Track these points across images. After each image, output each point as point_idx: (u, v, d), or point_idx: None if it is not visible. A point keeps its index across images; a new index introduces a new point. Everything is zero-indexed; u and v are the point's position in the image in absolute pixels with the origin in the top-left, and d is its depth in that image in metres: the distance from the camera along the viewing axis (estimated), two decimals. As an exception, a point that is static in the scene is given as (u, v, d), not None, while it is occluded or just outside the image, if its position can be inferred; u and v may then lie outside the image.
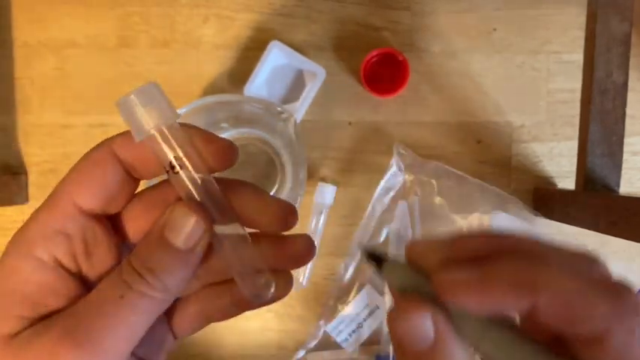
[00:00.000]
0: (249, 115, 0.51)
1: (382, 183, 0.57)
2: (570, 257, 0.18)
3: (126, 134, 0.21)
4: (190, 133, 0.21)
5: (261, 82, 0.56)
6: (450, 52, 0.58)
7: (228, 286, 0.23)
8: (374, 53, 0.55)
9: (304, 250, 0.22)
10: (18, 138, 0.57)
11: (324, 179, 0.57)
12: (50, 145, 0.57)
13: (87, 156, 0.21)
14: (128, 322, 0.19)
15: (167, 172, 0.20)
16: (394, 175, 0.57)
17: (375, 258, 0.21)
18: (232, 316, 0.23)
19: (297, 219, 0.21)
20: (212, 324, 0.23)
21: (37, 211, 0.21)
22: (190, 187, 0.20)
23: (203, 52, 0.57)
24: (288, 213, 0.21)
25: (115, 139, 0.21)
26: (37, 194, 0.57)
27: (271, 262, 0.22)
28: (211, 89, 0.57)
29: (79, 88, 0.57)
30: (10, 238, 0.20)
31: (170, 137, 0.20)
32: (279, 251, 0.22)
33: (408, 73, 0.55)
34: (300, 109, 0.55)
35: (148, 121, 0.20)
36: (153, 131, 0.20)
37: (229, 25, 0.57)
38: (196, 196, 0.20)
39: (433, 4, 0.58)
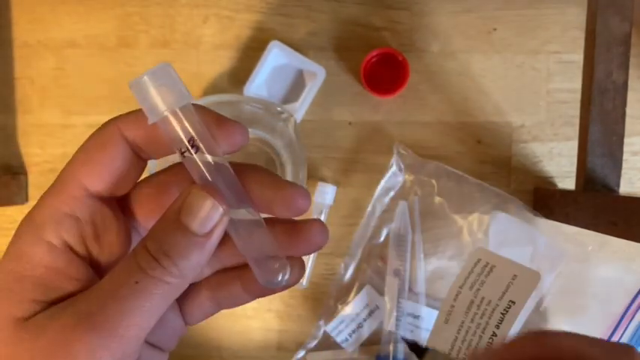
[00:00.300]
0: (249, 115, 0.51)
1: (382, 183, 0.57)
2: (611, 351, 0.20)
3: (132, 114, 0.21)
4: (202, 115, 0.21)
5: (261, 82, 0.56)
6: (450, 52, 0.58)
7: (238, 273, 0.23)
8: (374, 53, 0.55)
9: (318, 235, 0.21)
10: (18, 138, 0.57)
11: (324, 179, 0.57)
12: (50, 145, 0.57)
13: (93, 137, 0.21)
14: (143, 308, 0.19)
15: (181, 154, 0.20)
16: (394, 175, 0.57)
17: (417, 349, 0.22)
18: (243, 303, 0.23)
19: (310, 203, 0.21)
20: (211, 324, 0.23)
21: (45, 194, 0.20)
22: (204, 170, 0.20)
23: (203, 52, 0.57)
24: (301, 196, 0.21)
25: (121, 119, 0.21)
26: (36, 194, 0.57)
27: (284, 247, 0.22)
28: (211, 89, 0.57)
29: (79, 88, 0.57)
30: (10, 234, 0.20)
31: (184, 119, 0.20)
32: (292, 237, 0.21)
33: (408, 73, 0.55)
34: (300, 109, 0.55)
35: (162, 102, 0.20)
36: (167, 113, 0.20)
37: (229, 25, 0.57)
38: (210, 180, 0.20)
39: (433, 4, 0.58)
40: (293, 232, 0.21)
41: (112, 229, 0.21)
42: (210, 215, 0.19)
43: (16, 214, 0.57)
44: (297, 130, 0.49)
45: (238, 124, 0.21)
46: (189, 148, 0.20)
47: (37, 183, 0.57)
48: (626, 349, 0.20)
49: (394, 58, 0.56)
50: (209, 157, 0.20)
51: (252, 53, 0.57)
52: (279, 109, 0.49)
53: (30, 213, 0.20)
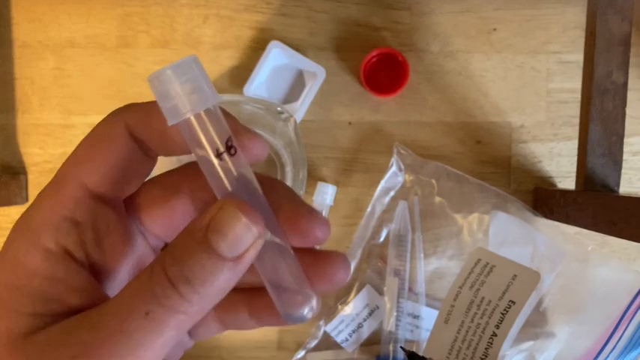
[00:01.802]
0: (249, 115, 0.51)
1: (382, 183, 0.57)
2: None
3: (141, 108, 0.19)
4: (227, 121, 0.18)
5: (261, 82, 0.56)
6: (450, 52, 0.58)
7: (247, 297, 0.21)
8: (374, 53, 0.55)
9: (340, 272, 0.19)
10: (17, 138, 0.57)
11: (324, 179, 0.57)
12: (50, 145, 0.57)
13: (96, 131, 0.19)
14: (153, 344, 0.16)
15: (199, 159, 0.18)
16: (394, 175, 0.57)
17: (414, 358, 0.22)
18: (249, 329, 0.21)
19: (329, 233, 0.19)
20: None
21: (42, 194, 0.19)
22: (226, 181, 0.17)
23: (203, 52, 0.57)
24: (320, 227, 0.19)
25: (128, 113, 0.19)
26: (36, 194, 0.57)
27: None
28: (211, 89, 0.57)
29: (79, 88, 0.57)
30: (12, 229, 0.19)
31: (208, 123, 0.17)
32: (310, 269, 0.19)
33: (408, 73, 0.55)
34: (300, 109, 0.55)
35: (186, 103, 0.17)
36: (189, 115, 0.17)
37: (229, 25, 0.57)
38: (233, 191, 0.17)
39: (433, 4, 0.58)
40: (312, 264, 0.19)
41: (114, 232, 0.19)
42: (242, 236, 0.16)
43: (15, 214, 0.57)
44: (297, 130, 0.49)
45: (259, 136, 0.19)
46: (211, 154, 0.17)
47: (37, 183, 0.57)
48: None
49: (394, 58, 0.56)
50: (232, 167, 0.17)
51: (252, 53, 0.57)
52: (279, 109, 0.49)
53: (24, 216, 0.18)
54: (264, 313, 0.20)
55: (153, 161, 0.20)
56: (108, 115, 0.19)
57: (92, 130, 0.19)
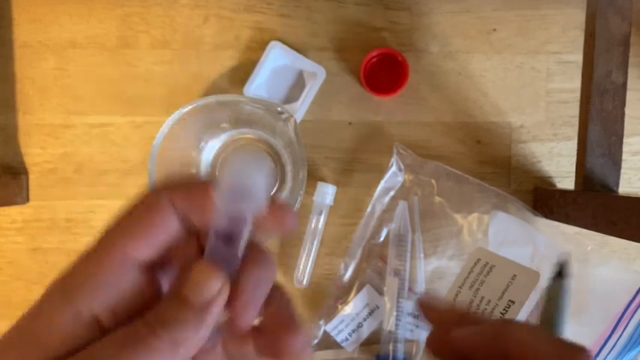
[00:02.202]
0: (249, 115, 0.51)
1: (382, 183, 0.57)
2: (563, 351, 0.21)
3: (186, 189, 0.21)
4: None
5: (261, 82, 0.56)
6: (450, 53, 0.58)
7: (253, 333, 0.22)
8: (374, 53, 0.55)
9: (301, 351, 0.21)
10: (18, 138, 0.57)
11: (324, 179, 0.57)
12: (50, 145, 0.57)
13: (144, 204, 0.21)
14: None
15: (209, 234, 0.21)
16: (394, 175, 0.57)
17: (561, 271, 0.24)
18: None
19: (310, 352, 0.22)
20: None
21: (86, 258, 0.20)
22: (213, 250, 0.20)
23: (203, 52, 0.57)
24: (302, 344, 0.21)
25: (175, 191, 0.21)
26: (37, 194, 0.57)
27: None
28: (211, 89, 0.57)
29: (79, 88, 0.57)
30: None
31: (248, 224, 0.20)
32: (275, 345, 0.21)
33: (408, 73, 0.55)
34: (300, 109, 0.55)
35: (239, 211, 0.20)
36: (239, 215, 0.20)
37: (229, 25, 0.57)
38: (215, 258, 0.20)
39: (432, 4, 0.58)
40: (276, 342, 0.21)
41: (145, 297, 0.21)
42: (208, 288, 0.19)
43: (16, 214, 0.57)
44: (297, 130, 0.49)
45: (292, 210, 0.22)
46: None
47: (38, 183, 0.57)
48: (578, 349, 0.21)
49: (394, 58, 0.56)
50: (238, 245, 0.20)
51: (252, 53, 0.57)
52: (279, 109, 0.49)
53: (67, 274, 0.20)
54: (266, 351, 0.22)
55: (192, 236, 0.22)
56: (154, 190, 0.21)
57: (140, 203, 0.21)
